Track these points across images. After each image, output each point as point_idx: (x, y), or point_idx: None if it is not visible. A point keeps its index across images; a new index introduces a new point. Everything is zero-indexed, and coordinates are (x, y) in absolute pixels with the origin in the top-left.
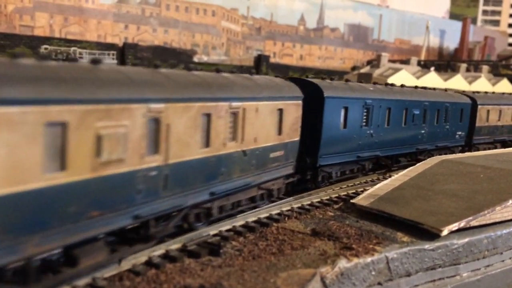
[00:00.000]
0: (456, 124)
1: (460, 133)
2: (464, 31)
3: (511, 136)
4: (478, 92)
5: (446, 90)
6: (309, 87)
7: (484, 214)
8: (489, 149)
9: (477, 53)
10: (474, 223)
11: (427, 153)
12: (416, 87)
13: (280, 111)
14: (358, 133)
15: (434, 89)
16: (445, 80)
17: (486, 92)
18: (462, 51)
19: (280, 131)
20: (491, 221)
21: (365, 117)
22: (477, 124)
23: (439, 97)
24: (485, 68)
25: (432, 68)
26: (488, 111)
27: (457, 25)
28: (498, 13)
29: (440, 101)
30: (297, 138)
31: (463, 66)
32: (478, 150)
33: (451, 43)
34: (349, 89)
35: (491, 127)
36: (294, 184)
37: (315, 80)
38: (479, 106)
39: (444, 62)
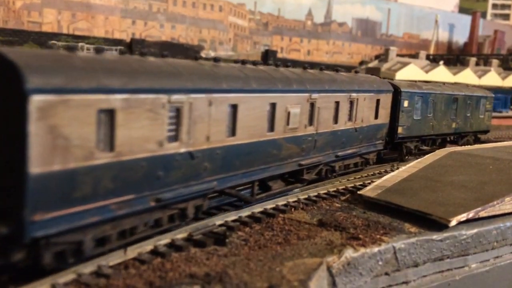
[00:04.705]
0: None
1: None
2: (473, 25)
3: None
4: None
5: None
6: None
7: (494, 204)
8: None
9: (487, 47)
10: (483, 214)
11: None
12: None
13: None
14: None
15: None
16: (454, 74)
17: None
18: (471, 45)
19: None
20: (501, 212)
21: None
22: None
23: None
24: (494, 62)
25: (441, 62)
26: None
27: (467, 19)
28: (508, 7)
29: None
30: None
31: (473, 60)
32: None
33: (461, 37)
34: None
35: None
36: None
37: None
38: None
39: (453, 56)
